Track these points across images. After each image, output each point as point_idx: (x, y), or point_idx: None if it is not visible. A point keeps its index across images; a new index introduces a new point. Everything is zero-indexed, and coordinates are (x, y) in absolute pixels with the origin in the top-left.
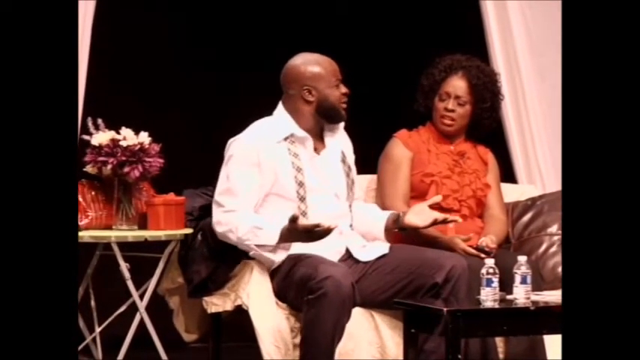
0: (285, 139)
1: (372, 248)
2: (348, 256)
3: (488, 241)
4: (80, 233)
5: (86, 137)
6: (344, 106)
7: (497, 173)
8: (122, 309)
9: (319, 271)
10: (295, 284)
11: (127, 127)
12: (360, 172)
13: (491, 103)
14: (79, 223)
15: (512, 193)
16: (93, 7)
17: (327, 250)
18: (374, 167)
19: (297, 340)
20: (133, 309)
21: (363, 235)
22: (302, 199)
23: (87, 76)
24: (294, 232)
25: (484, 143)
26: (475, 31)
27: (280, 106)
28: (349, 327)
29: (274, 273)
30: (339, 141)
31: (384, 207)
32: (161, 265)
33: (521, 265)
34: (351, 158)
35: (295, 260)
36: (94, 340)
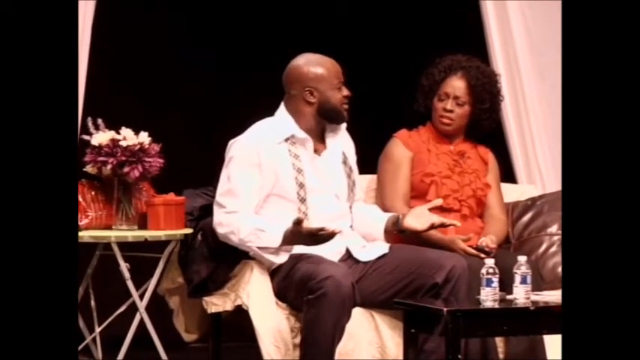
0: (286, 140)
1: (372, 248)
2: (348, 256)
3: (488, 241)
4: (80, 233)
5: (86, 137)
6: (345, 107)
7: (497, 173)
8: (122, 309)
9: (319, 271)
10: (295, 284)
11: (126, 127)
12: (360, 172)
13: (491, 103)
14: (79, 223)
15: (512, 193)
16: (93, 7)
17: (328, 250)
18: (374, 167)
19: (297, 340)
20: (133, 309)
21: (363, 237)
22: (302, 200)
23: (87, 76)
24: (298, 235)
25: (484, 143)
26: (475, 31)
27: (282, 107)
28: (349, 327)
29: (274, 273)
30: (341, 142)
31: (384, 207)
32: (161, 265)
33: (521, 265)
34: (352, 159)
35: (295, 260)
36: (94, 340)
